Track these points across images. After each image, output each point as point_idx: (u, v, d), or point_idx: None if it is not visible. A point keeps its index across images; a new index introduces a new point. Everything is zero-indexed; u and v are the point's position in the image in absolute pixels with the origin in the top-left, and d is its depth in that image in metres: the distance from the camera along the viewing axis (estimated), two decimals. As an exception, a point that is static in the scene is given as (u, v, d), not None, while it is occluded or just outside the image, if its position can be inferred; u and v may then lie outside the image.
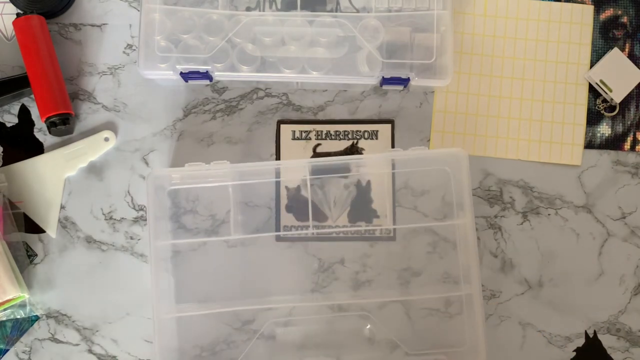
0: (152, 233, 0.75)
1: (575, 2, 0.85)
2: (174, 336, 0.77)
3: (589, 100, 0.84)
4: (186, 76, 0.78)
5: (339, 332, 0.79)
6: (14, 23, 0.80)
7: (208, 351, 0.79)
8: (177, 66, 0.78)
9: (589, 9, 0.85)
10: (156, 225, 0.76)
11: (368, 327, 0.78)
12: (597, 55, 0.84)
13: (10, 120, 0.83)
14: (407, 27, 0.79)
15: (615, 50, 0.83)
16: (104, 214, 0.82)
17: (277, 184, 0.81)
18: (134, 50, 0.84)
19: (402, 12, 0.80)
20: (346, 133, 0.83)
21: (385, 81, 0.78)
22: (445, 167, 0.79)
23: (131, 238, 0.81)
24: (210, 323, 0.79)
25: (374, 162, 0.80)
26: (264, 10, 0.81)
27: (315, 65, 0.79)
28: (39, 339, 0.80)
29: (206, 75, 0.78)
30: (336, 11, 0.81)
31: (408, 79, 0.78)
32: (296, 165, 0.79)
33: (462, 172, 0.75)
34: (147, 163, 0.82)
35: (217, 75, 0.79)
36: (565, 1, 0.85)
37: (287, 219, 0.81)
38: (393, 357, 0.77)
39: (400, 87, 0.82)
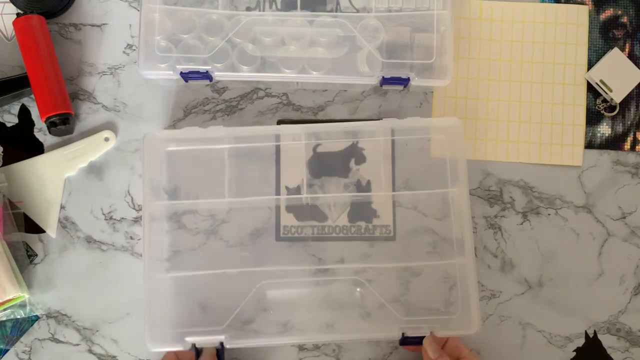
0: (147, 194, 0.76)
1: (570, 3, 0.85)
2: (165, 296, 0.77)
3: (589, 100, 0.84)
4: (186, 76, 0.78)
5: (332, 298, 0.79)
6: (14, 23, 0.80)
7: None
8: (177, 66, 0.78)
9: (584, 9, 0.85)
10: (152, 187, 0.77)
11: (358, 290, 0.78)
12: (597, 55, 0.84)
13: (10, 120, 0.83)
14: (407, 27, 0.79)
15: (615, 50, 0.83)
16: (104, 214, 0.82)
17: (277, 183, 0.81)
18: (134, 50, 0.84)
19: (402, 12, 0.80)
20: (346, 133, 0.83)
21: (385, 81, 0.78)
22: (441, 136, 0.80)
23: (131, 238, 0.81)
24: (210, 322, 0.79)
25: (372, 129, 0.81)
26: (264, 10, 0.81)
27: (315, 65, 0.79)
28: (39, 339, 0.80)
29: (206, 75, 0.78)
30: (336, 11, 0.81)
31: (408, 79, 0.78)
32: (294, 131, 0.80)
33: (457, 142, 0.77)
34: (147, 163, 0.82)
35: (217, 75, 0.79)
36: (564, 2, 0.85)
37: (287, 219, 0.81)
38: (385, 324, 0.77)
39: (400, 87, 0.82)
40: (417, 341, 0.75)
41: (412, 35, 0.79)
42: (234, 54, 0.79)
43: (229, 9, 0.80)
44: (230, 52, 0.79)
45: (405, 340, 0.75)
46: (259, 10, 0.81)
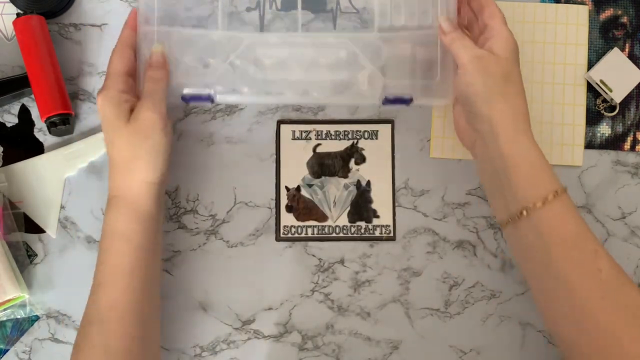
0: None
1: (570, 3, 0.85)
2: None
3: (589, 100, 0.84)
4: (187, 99, 0.75)
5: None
6: (14, 23, 0.80)
7: (208, 351, 0.79)
8: (177, 89, 0.74)
9: (584, 9, 0.84)
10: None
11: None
12: (597, 55, 0.84)
13: (10, 120, 0.83)
14: (410, 45, 0.77)
15: (615, 50, 0.83)
16: (104, 214, 0.81)
17: (277, 184, 0.81)
18: (134, 50, 0.84)
19: (404, 30, 0.77)
20: (346, 133, 0.83)
21: (387, 101, 0.75)
22: None
23: (131, 238, 0.81)
24: (210, 322, 0.79)
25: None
26: (263, 10, 0.80)
27: (317, 86, 0.76)
28: (39, 339, 0.80)
29: (207, 98, 0.75)
30: (336, 11, 0.80)
31: (411, 99, 0.75)
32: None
33: None
34: (147, 163, 0.82)
35: (219, 98, 0.75)
36: (564, 2, 0.85)
37: (287, 219, 0.81)
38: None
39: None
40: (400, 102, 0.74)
41: (415, 54, 0.77)
42: (234, 76, 0.75)
43: (228, 29, 0.77)
44: (231, 74, 0.75)
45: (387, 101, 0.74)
46: (259, 10, 0.80)
